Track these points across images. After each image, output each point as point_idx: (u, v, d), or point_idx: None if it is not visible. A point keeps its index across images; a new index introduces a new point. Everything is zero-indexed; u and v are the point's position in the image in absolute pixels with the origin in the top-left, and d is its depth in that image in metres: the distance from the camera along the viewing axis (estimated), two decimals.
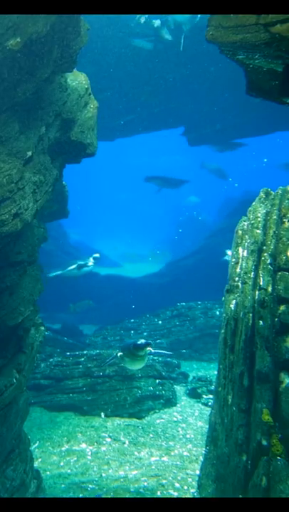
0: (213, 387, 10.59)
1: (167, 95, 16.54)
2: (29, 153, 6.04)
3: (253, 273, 6.12)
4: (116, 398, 11.89)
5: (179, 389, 13.37)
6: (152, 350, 7.26)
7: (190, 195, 40.91)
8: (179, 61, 15.30)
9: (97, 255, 17.22)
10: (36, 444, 10.19)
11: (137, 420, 11.54)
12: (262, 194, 6.84)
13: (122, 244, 38.37)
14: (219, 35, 3.72)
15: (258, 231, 6.32)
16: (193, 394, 13.07)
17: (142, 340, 7.17)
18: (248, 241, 6.45)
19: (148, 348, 7.15)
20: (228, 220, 19.82)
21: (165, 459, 9.67)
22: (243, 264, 6.38)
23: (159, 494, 8.01)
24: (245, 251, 6.47)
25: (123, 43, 14.58)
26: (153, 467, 9.27)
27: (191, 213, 37.58)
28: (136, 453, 9.97)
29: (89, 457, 9.79)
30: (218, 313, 16.77)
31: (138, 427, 11.20)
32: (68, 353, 13.32)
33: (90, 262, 16.89)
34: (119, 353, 7.47)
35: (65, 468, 9.35)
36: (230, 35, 3.65)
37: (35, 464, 8.45)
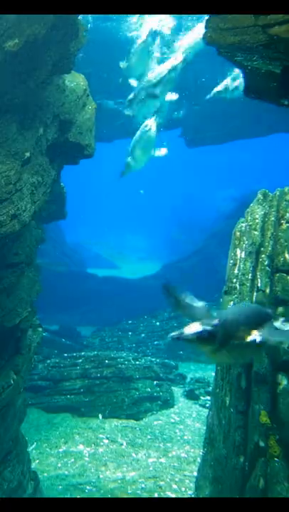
0: (210, 389, 10.60)
1: None
2: (27, 155, 6.04)
3: (250, 274, 6.12)
4: (113, 400, 11.88)
5: (177, 390, 13.36)
6: None
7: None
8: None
9: None
10: (34, 446, 10.17)
11: (135, 422, 11.53)
12: (260, 196, 6.83)
13: (120, 246, 38.36)
14: (217, 37, 3.72)
15: (256, 233, 6.32)
16: (191, 395, 13.06)
17: None
18: (246, 242, 6.45)
19: None
20: (227, 222, 19.85)
21: (163, 460, 9.67)
22: (241, 266, 6.38)
23: (156, 496, 8.00)
24: (243, 252, 6.47)
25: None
26: (150, 469, 9.26)
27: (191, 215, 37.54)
28: (133, 454, 9.96)
29: (86, 459, 9.77)
30: (216, 314, 16.72)
31: (135, 428, 11.19)
32: (66, 355, 13.30)
33: None
34: None
35: (62, 469, 9.34)
36: (229, 37, 3.65)
37: (33, 466, 8.44)
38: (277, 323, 4.83)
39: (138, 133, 12.06)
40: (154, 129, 12.01)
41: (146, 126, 12.01)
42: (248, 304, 5.31)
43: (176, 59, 12.71)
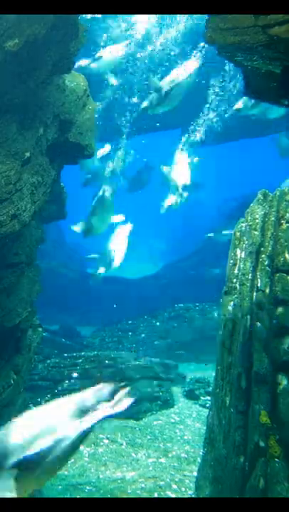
0: (210, 389, 10.59)
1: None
2: (27, 154, 6.04)
3: (250, 274, 6.12)
4: None
5: (177, 390, 13.35)
6: None
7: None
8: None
9: None
10: None
11: (135, 422, 11.51)
12: (260, 196, 6.83)
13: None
14: (217, 37, 3.72)
15: (256, 233, 6.32)
16: (191, 395, 13.05)
17: None
18: (246, 243, 6.45)
19: None
20: (227, 222, 19.83)
21: (162, 460, 9.66)
22: (241, 266, 6.38)
23: (156, 496, 8.00)
24: (243, 252, 6.47)
25: None
26: (150, 468, 9.26)
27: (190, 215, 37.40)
28: (133, 454, 9.95)
29: (86, 459, 9.77)
30: (216, 314, 16.74)
31: (135, 428, 11.18)
32: (66, 355, 13.29)
33: None
34: None
35: (62, 469, 9.33)
36: (229, 37, 3.65)
37: None
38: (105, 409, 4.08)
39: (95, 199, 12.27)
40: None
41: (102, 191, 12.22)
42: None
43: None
